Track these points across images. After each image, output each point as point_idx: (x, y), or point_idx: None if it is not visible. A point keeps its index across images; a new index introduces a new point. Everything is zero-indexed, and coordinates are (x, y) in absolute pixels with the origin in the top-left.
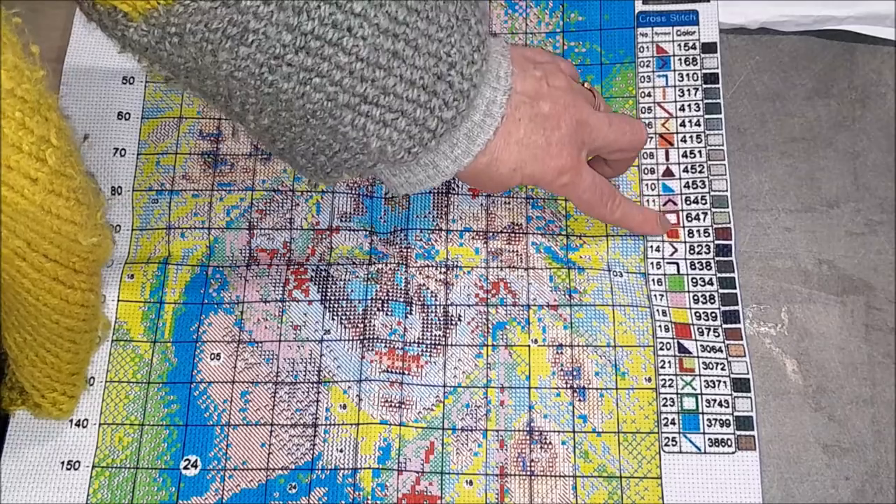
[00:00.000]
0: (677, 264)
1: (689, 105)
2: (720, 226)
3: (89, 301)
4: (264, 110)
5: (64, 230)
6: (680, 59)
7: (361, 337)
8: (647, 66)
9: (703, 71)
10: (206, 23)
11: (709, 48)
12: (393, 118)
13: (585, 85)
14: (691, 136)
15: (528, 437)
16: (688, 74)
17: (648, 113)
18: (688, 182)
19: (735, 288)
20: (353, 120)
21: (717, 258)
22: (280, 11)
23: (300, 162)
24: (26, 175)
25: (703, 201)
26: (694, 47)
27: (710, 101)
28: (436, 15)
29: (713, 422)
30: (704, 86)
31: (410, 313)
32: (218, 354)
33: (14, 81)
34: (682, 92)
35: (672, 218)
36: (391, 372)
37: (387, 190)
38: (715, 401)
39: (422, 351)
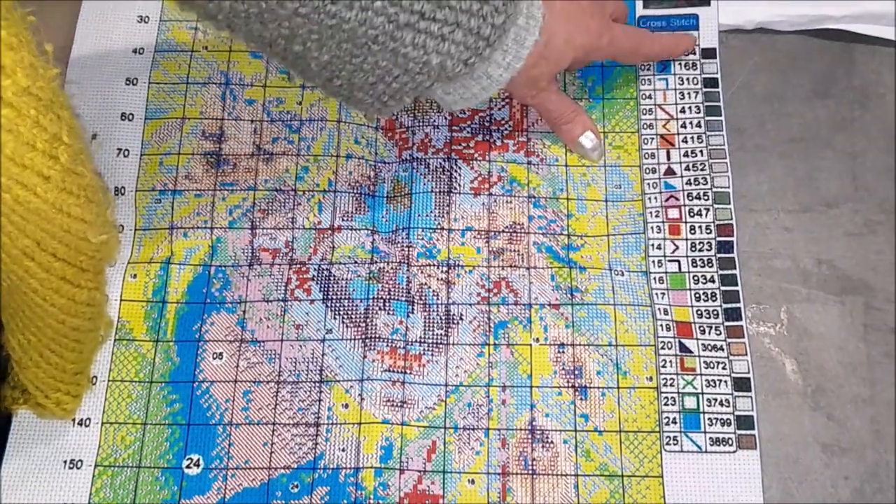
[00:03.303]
0: (679, 262)
1: (690, 107)
2: (722, 222)
3: (95, 300)
4: (326, 45)
5: (74, 228)
6: (680, 64)
7: (363, 336)
8: (648, 68)
9: (703, 76)
10: None
11: (708, 53)
12: (450, 31)
13: None
14: (692, 137)
15: (529, 436)
16: (688, 79)
17: (649, 114)
18: (690, 179)
19: (737, 285)
20: (414, 39)
21: (718, 255)
22: None
23: (357, 95)
24: (39, 173)
25: (706, 197)
26: (693, 52)
27: (710, 104)
28: None
29: (714, 421)
30: (704, 90)
31: (412, 312)
32: (220, 354)
33: (30, 79)
34: (683, 95)
35: (674, 214)
36: (393, 371)
37: (389, 189)
38: (716, 400)
39: (423, 350)
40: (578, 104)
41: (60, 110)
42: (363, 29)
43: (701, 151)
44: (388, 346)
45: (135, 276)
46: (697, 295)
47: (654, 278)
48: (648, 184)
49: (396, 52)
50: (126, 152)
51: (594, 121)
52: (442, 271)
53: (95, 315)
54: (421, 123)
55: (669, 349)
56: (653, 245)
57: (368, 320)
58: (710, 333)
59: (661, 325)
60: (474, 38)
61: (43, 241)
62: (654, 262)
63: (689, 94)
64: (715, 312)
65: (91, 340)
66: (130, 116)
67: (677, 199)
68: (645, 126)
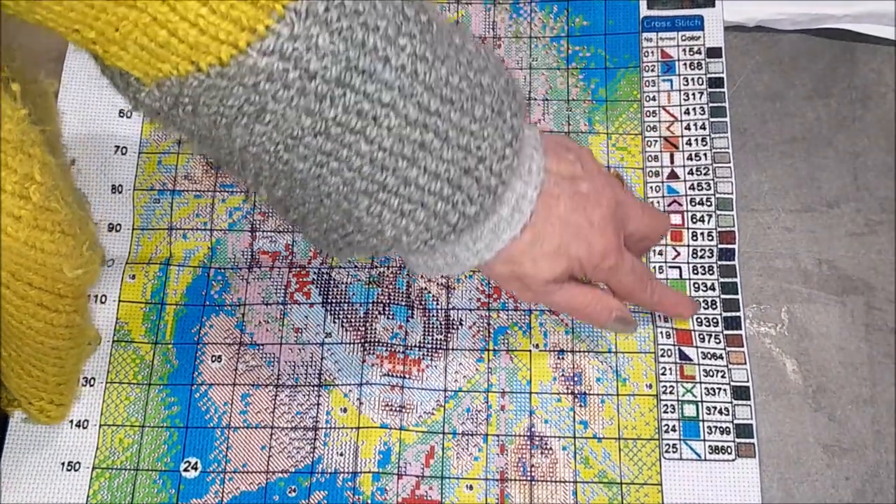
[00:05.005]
0: (680, 268)
1: (694, 109)
2: (724, 229)
3: (74, 322)
4: (277, 184)
5: (49, 262)
6: (685, 64)
7: (362, 340)
8: (652, 70)
9: (708, 75)
10: (222, 98)
11: (714, 53)
12: (411, 209)
13: (612, 172)
14: (696, 139)
15: (528, 443)
16: (693, 79)
17: (653, 116)
18: (693, 184)
19: (737, 293)
20: (369, 207)
21: (719, 262)
22: (301, 97)
23: (312, 235)
24: (10, 214)
25: (708, 203)
26: (699, 52)
27: (715, 104)
28: (470, 106)
29: (713, 429)
30: (709, 90)
31: (412, 317)
32: (219, 356)
33: None
34: (687, 96)
35: (676, 219)
36: (392, 376)
37: None
38: (715, 408)
39: (423, 355)
40: (593, 287)
41: (32, 148)
42: (315, 183)
43: (705, 155)
44: (387, 350)
45: (133, 276)
46: (697, 302)
47: None
48: (651, 187)
49: (349, 212)
50: (124, 150)
51: (620, 303)
52: (441, 276)
53: (76, 335)
54: None
55: (669, 357)
56: (654, 251)
57: (368, 324)
58: (709, 342)
59: (661, 333)
60: (438, 222)
61: (17, 272)
62: (655, 268)
63: (693, 94)
64: (715, 321)
65: (73, 356)
66: (129, 114)
67: (680, 204)
68: (648, 128)
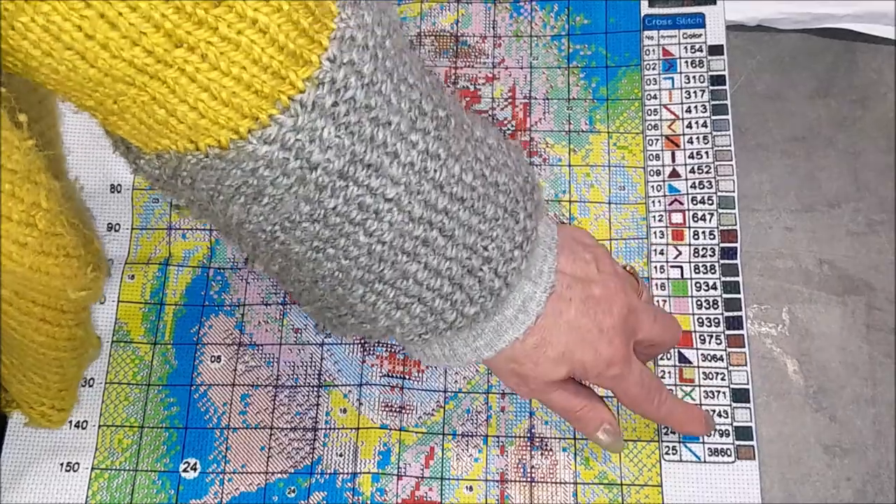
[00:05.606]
0: (681, 268)
1: (696, 107)
2: (725, 228)
3: (76, 335)
4: (273, 260)
5: (53, 284)
6: (686, 62)
7: (362, 341)
8: (654, 68)
9: (710, 73)
10: (219, 178)
11: (715, 50)
12: (407, 302)
13: (628, 268)
14: (698, 138)
15: (528, 444)
16: (694, 77)
17: (654, 115)
18: (694, 182)
19: (739, 293)
20: (364, 295)
21: (721, 261)
22: (301, 185)
23: (308, 310)
24: (15, 241)
25: (710, 202)
26: (700, 50)
27: (716, 102)
28: (482, 205)
29: (713, 432)
30: (711, 87)
31: None
32: (218, 357)
33: (4, 156)
34: (689, 94)
35: (677, 218)
36: (392, 376)
37: None
38: (714, 411)
39: None
40: (591, 393)
41: (38, 175)
42: (310, 265)
43: (706, 153)
44: (387, 350)
45: (132, 276)
46: (699, 302)
47: (657, 285)
48: (652, 186)
49: (343, 298)
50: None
51: (611, 413)
52: None
53: (78, 346)
54: None
55: (668, 359)
56: (655, 250)
57: None
58: (710, 343)
59: None
60: (434, 319)
61: (21, 292)
62: (656, 267)
63: (695, 92)
64: (716, 321)
65: (75, 365)
66: None
67: (681, 202)
68: (650, 127)
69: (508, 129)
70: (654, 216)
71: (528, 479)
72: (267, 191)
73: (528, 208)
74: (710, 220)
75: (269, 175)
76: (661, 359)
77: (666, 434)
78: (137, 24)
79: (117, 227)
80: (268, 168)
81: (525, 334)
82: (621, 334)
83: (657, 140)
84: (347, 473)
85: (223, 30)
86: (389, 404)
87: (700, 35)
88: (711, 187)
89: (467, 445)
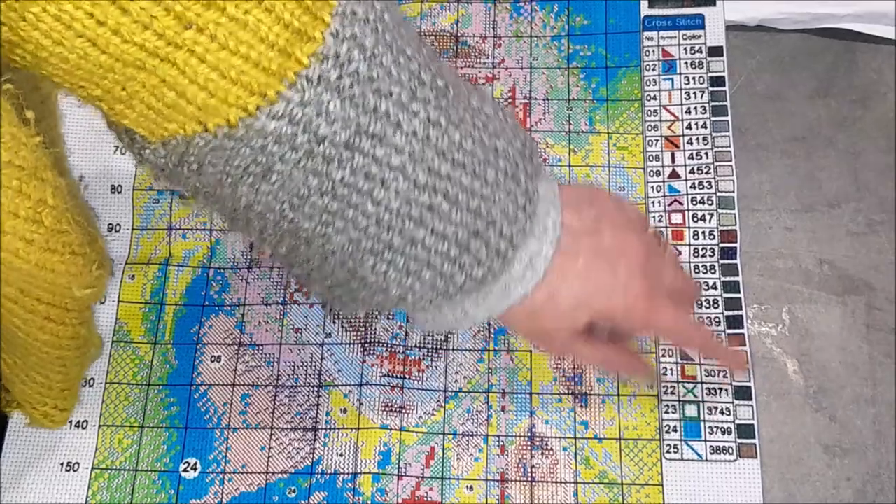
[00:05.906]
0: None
1: (696, 108)
2: (725, 228)
3: (80, 334)
4: (282, 242)
5: (58, 282)
6: (686, 63)
7: (362, 341)
8: (653, 69)
9: (710, 74)
10: (228, 158)
11: (715, 52)
12: (417, 269)
13: (650, 231)
14: (697, 138)
15: (529, 443)
16: (694, 78)
17: (654, 116)
18: (694, 183)
19: (739, 292)
20: (374, 265)
21: (721, 261)
22: (309, 159)
23: (316, 289)
24: (22, 238)
25: (710, 202)
26: (700, 51)
27: (716, 103)
28: (483, 170)
29: (714, 429)
30: (711, 89)
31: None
32: (218, 357)
33: (11, 152)
34: (689, 95)
35: (677, 218)
36: (392, 376)
37: None
38: (716, 409)
39: (423, 355)
40: (621, 348)
41: (45, 172)
42: (320, 241)
43: (706, 154)
44: (387, 350)
45: (133, 276)
46: (699, 302)
47: None
48: (652, 187)
49: (354, 271)
50: (123, 150)
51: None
52: None
53: (81, 344)
54: None
55: (670, 357)
56: None
57: (368, 325)
58: None
59: None
60: (444, 282)
61: (26, 290)
62: None
63: (695, 93)
64: (717, 320)
65: (77, 364)
66: None
67: (681, 203)
68: (650, 127)
69: None
70: (653, 216)
71: (529, 479)
72: (276, 167)
73: (528, 171)
74: (709, 221)
75: (277, 151)
76: (664, 355)
77: (667, 433)
78: (148, 8)
79: (118, 228)
80: (276, 143)
81: (534, 290)
82: (640, 277)
83: (657, 141)
84: (348, 473)
85: (231, 10)
86: (389, 404)
87: (700, 36)
88: (711, 188)
89: (468, 445)
